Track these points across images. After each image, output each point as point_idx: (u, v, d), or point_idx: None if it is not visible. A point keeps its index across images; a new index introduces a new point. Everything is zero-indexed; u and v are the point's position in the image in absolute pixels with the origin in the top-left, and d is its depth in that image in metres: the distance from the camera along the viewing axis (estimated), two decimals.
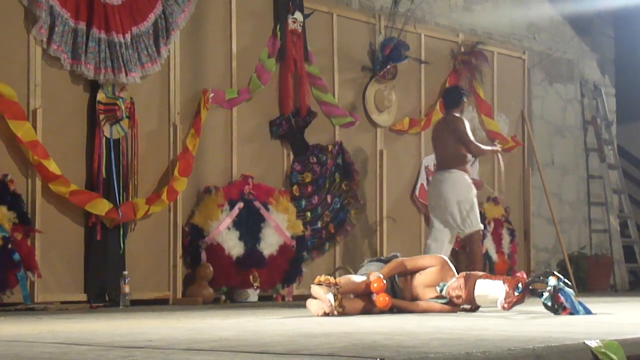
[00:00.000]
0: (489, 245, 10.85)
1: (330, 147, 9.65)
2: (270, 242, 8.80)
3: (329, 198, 9.54)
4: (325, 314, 5.62)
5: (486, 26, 11.69)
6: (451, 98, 9.50)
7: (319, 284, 5.76)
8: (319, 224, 9.46)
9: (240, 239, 8.66)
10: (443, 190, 9.15)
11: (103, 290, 7.87)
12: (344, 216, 9.68)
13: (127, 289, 7.78)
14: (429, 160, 10.54)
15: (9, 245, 7.09)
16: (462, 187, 9.15)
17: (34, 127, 7.51)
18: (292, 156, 9.39)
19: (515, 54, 11.95)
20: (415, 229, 10.57)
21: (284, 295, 8.98)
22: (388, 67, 9.99)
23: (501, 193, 11.05)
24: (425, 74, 10.79)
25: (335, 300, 5.63)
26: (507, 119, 11.70)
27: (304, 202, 9.32)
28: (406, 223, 10.39)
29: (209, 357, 3.06)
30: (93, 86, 7.93)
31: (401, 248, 10.01)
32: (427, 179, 10.49)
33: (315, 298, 5.78)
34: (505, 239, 11.18)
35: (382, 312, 5.85)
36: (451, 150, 9.16)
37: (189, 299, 8.31)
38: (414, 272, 6.09)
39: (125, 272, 7.83)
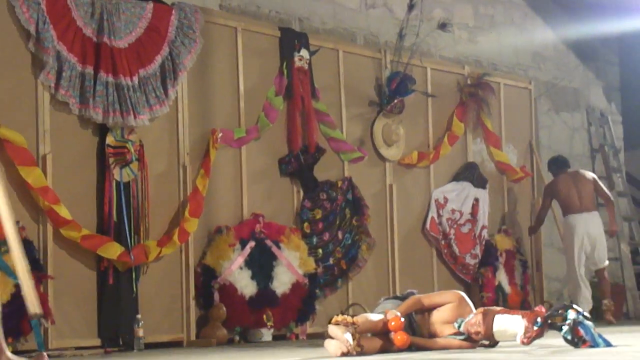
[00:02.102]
0: (501, 277, 10.80)
1: (339, 183, 9.59)
2: (282, 281, 8.74)
3: (340, 234, 9.46)
4: (344, 354, 5.54)
5: (491, 57, 11.70)
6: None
7: (337, 323, 5.69)
8: (331, 261, 9.36)
9: (252, 278, 8.59)
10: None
11: (117, 334, 7.77)
12: (355, 252, 9.60)
13: (140, 332, 7.71)
14: (439, 194, 10.54)
15: (21, 294, 7.05)
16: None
17: (44, 172, 7.44)
18: (302, 193, 9.34)
19: (522, 84, 11.93)
20: (427, 263, 10.51)
21: (298, 334, 8.88)
22: (395, 101, 9.96)
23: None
24: (432, 107, 10.77)
25: (353, 340, 5.56)
26: (515, 149, 11.67)
27: (315, 239, 9.25)
28: (418, 257, 10.33)
29: None
30: (102, 130, 7.88)
31: (414, 283, 10.02)
32: (438, 212, 10.48)
33: (333, 338, 5.70)
34: (518, 270, 11.13)
35: (400, 350, 5.78)
36: None
37: (203, 340, 8.24)
38: (431, 308, 6.03)
39: (139, 316, 7.77)
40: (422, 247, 10.46)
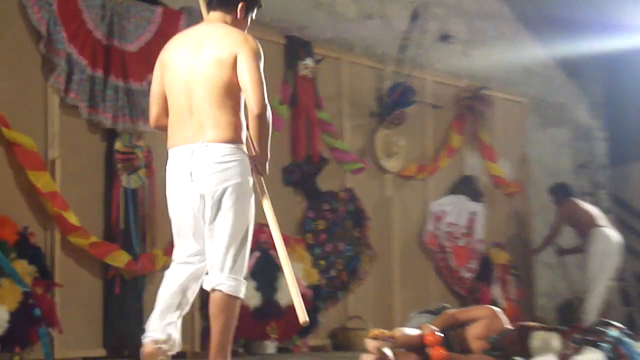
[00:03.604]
0: (496, 291, 10.82)
1: (341, 194, 9.51)
2: (287, 292, 8.54)
3: (341, 246, 9.36)
4: None
5: (483, 71, 11.65)
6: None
7: (374, 337, 5.61)
8: (332, 272, 9.25)
9: (257, 289, 8.45)
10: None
11: (122, 345, 7.64)
12: (356, 264, 9.50)
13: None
14: (436, 207, 10.50)
15: (30, 301, 6.85)
16: None
17: (53, 177, 7.31)
18: (304, 205, 9.22)
19: (515, 98, 12.05)
20: (424, 276, 10.47)
21: (300, 346, 8.76)
22: (396, 112, 9.88)
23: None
24: (431, 119, 10.77)
25: (393, 355, 5.50)
26: (508, 163, 11.68)
27: (318, 251, 9.14)
28: (416, 270, 10.28)
29: None
30: (110, 135, 7.76)
31: (412, 296, 9.99)
32: (436, 225, 10.45)
33: (370, 352, 5.62)
34: (512, 284, 11.11)
35: None
36: None
37: (207, 352, 8.08)
38: (464, 323, 5.97)
39: (145, 326, 7.61)
40: (420, 260, 10.44)
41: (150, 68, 7.87)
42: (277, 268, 8.53)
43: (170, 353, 5.17)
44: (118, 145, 7.74)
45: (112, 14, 7.78)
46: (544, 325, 6.01)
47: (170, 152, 5.09)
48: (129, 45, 7.87)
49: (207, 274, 5.10)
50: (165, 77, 5.10)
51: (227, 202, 4.91)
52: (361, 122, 9.93)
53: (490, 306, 6.36)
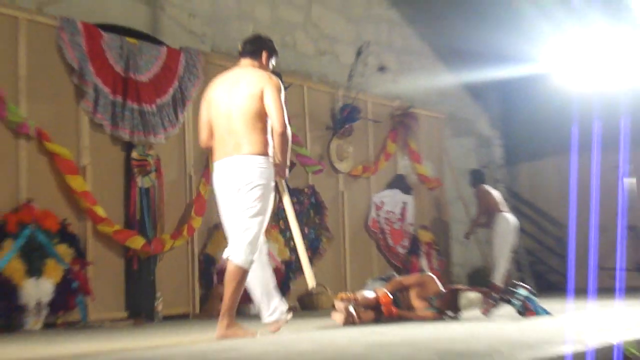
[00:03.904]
0: (423, 263, 10.89)
1: (305, 190, 9.54)
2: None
3: (306, 230, 9.39)
4: (349, 323, 5.54)
5: (410, 94, 11.71)
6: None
7: (342, 299, 5.68)
8: None
9: None
10: None
11: (139, 308, 7.67)
12: (317, 244, 9.57)
13: (160, 307, 7.64)
14: (377, 199, 10.59)
15: (69, 276, 6.91)
16: None
17: (84, 179, 7.34)
18: (277, 198, 9.22)
19: (434, 114, 12.06)
20: (369, 252, 10.49)
21: None
22: (346, 126, 9.97)
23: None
24: (372, 131, 10.80)
25: (356, 312, 5.57)
26: (430, 164, 11.76)
27: (288, 234, 9.12)
28: (362, 248, 10.31)
29: None
30: (128, 146, 7.78)
31: (359, 267, 10.07)
32: (377, 213, 10.52)
33: (339, 311, 5.69)
34: (434, 257, 11.21)
35: (388, 320, 5.78)
36: None
37: (204, 313, 8.14)
38: (408, 287, 6.04)
39: (159, 294, 7.68)
40: (365, 239, 10.44)
41: (157, 94, 8.01)
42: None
43: None
44: (134, 154, 7.77)
45: (128, 53, 7.81)
46: (469, 287, 6.09)
47: (215, 164, 5.20)
48: (141, 76, 7.90)
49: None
50: (211, 109, 5.21)
51: (254, 195, 5.03)
52: (319, 134, 9.96)
53: (429, 273, 6.44)
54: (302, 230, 9.22)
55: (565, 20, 11.27)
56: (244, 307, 8.44)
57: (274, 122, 5.03)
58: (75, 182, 7.23)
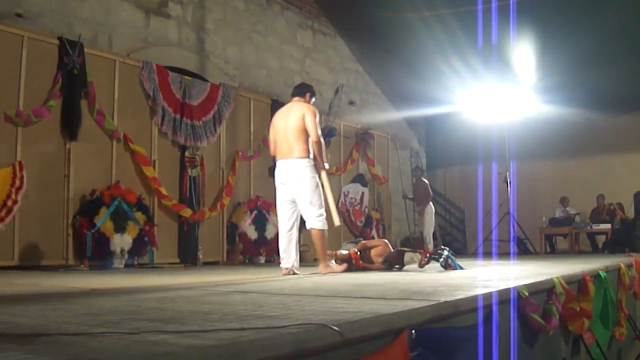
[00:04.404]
0: (374, 233, 10.88)
1: None
2: (271, 232, 8.65)
3: None
4: (333, 272, 5.52)
5: (369, 121, 11.76)
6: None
7: (329, 255, 5.66)
8: None
9: (255, 230, 8.51)
10: None
11: (187, 257, 7.67)
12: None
13: (201, 256, 7.62)
14: (345, 189, 10.60)
15: (142, 233, 6.88)
16: None
17: (154, 169, 7.32)
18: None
19: (384, 134, 12.08)
20: (340, 226, 10.41)
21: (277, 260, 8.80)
22: (326, 140, 9.92)
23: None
24: (343, 144, 10.80)
25: (337, 264, 5.56)
26: (380, 167, 11.79)
27: None
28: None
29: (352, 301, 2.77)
30: (183, 148, 7.76)
31: (334, 235, 10.03)
32: (345, 199, 10.53)
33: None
34: (381, 229, 11.23)
35: (357, 269, 5.77)
36: None
37: (229, 261, 8.15)
38: (370, 247, 6.03)
39: (200, 247, 7.66)
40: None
41: (203, 114, 7.97)
42: (265, 219, 8.61)
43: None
44: (187, 153, 7.78)
45: (185, 86, 7.79)
46: (411, 250, 6.08)
47: (277, 162, 5.23)
48: (193, 102, 7.88)
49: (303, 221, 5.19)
50: (275, 129, 5.26)
51: (307, 186, 5.07)
52: None
53: (384, 239, 6.41)
54: None
55: (470, 78, 11.40)
56: (256, 259, 8.49)
57: (311, 135, 5.08)
58: (148, 171, 7.24)
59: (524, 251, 12.15)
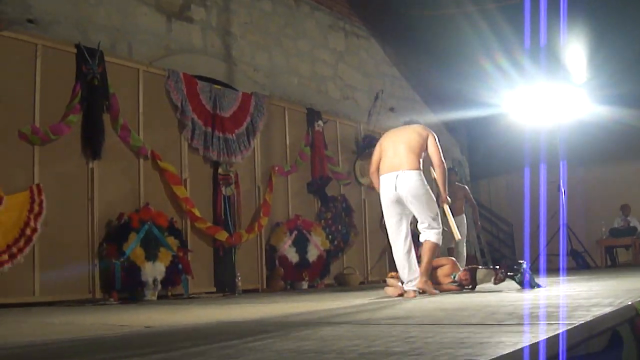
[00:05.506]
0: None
1: (339, 197, 9.12)
2: (313, 254, 8.24)
3: (340, 227, 8.98)
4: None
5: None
6: None
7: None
8: (335, 242, 8.86)
9: (296, 252, 8.08)
10: None
11: (224, 285, 7.25)
12: (347, 237, 9.12)
13: (239, 283, 7.18)
14: None
15: (175, 260, 6.47)
16: None
17: (185, 188, 6.92)
18: (319, 204, 8.85)
19: None
20: (382, 244, 9.80)
21: (319, 284, 8.35)
22: (366, 151, 9.56)
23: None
24: None
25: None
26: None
27: (327, 230, 8.76)
28: (378, 241, 9.74)
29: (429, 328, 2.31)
30: (215, 164, 7.37)
31: (375, 254, 9.63)
32: None
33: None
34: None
35: (422, 292, 5.34)
36: None
37: (269, 289, 7.70)
38: (436, 267, 5.61)
39: (239, 274, 7.22)
40: (379, 234, 9.90)
41: (236, 126, 7.59)
42: (307, 240, 8.21)
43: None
44: (220, 170, 7.39)
45: (215, 96, 7.44)
46: (483, 267, 5.67)
47: (382, 177, 5.10)
48: (224, 113, 7.52)
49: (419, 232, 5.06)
50: (382, 148, 5.20)
51: (422, 198, 4.93)
52: (348, 156, 9.57)
53: (451, 257, 5.99)
54: (337, 227, 8.95)
55: (517, 76, 10.98)
56: (298, 284, 8.05)
57: (434, 160, 5.13)
58: (179, 191, 6.84)
59: (582, 265, 11.59)
